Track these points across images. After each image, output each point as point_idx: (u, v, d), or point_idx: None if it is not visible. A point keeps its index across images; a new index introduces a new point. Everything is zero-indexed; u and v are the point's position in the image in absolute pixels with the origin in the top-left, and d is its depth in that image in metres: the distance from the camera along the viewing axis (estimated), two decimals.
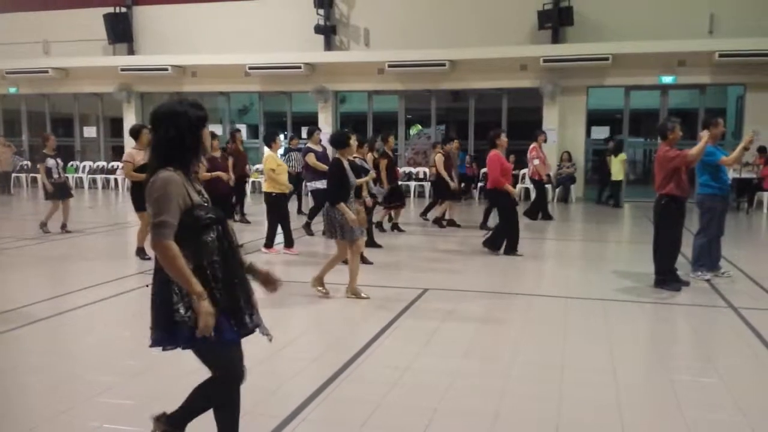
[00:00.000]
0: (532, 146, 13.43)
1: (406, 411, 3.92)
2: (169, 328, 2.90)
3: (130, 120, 20.19)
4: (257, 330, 3.09)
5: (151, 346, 2.99)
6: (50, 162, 11.04)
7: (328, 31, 18.71)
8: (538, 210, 13.65)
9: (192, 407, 3.20)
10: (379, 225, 11.49)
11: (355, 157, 8.63)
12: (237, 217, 12.34)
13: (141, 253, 8.81)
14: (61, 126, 22.31)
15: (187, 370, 4.60)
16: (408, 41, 17.84)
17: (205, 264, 2.89)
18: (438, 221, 12.36)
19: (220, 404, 3.18)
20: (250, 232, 11.42)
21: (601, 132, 18.38)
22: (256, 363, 4.78)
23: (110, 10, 19.95)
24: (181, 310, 2.85)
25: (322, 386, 4.25)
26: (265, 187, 9.21)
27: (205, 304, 2.80)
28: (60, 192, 11.13)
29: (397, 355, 4.93)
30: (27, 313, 6.06)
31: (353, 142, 7.03)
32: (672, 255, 7.10)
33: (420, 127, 18.13)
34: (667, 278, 7.06)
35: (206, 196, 3.07)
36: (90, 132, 22.08)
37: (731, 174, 14.05)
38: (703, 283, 7.35)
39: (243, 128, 18.35)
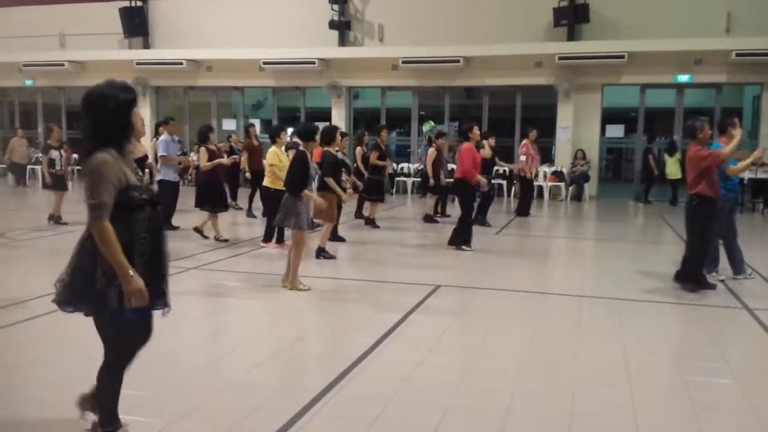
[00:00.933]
0: (523, 142, 13.53)
1: (418, 407, 3.92)
2: (83, 294, 3.09)
3: (144, 114, 20.30)
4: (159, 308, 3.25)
5: (55, 302, 3.17)
6: (54, 153, 11.24)
7: (342, 27, 18.70)
8: (529, 206, 13.72)
9: (104, 400, 3.30)
10: (371, 221, 11.52)
11: (337, 151, 8.77)
12: (235, 205, 12.72)
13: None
14: (77, 119, 22.42)
15: (197, 364, 4.65)
16: (422, 37, 17.79)
17: (134, 240, 3.06)
18: (429, 218, 12.35)
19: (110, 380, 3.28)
20: (249, 227, 11.54)
21: (615, 130, 18.28)
22: (266, 358, 4.81)
23: (126, 3, 20.02)
24: (102, 282, 3.02)
25: (334, 381, 4.25)
26: (265, 182, 9.23)
27: (135, 280, 2.98)
28: (58, 184, 11.29)
29: (408, 352, 4.93)
30: (32, 305, 6.11)
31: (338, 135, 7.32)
32: (702, 256, 7.03)
33: (433, 123, 18.09)
34: (696, 278, 6.97)
35: (141, 175, 3.23)
36: None
37: (747, 174, 14.01)
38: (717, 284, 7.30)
39: (257, 123, 18.38)
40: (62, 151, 11.41)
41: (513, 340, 5.33)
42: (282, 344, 5.19)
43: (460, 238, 9.42)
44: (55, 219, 11.17)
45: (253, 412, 3.80)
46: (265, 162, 9.46)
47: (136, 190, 3.09)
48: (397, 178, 18.40)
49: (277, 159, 8.98)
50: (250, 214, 12.63)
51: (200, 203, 9.82)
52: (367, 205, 11.96)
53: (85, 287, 3.08)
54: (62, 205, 11.26)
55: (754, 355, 5.12)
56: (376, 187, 11.54)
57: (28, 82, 21.69)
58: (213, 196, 9.76)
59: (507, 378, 4.40)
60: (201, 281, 7.34)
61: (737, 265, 7.59)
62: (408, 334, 5.43)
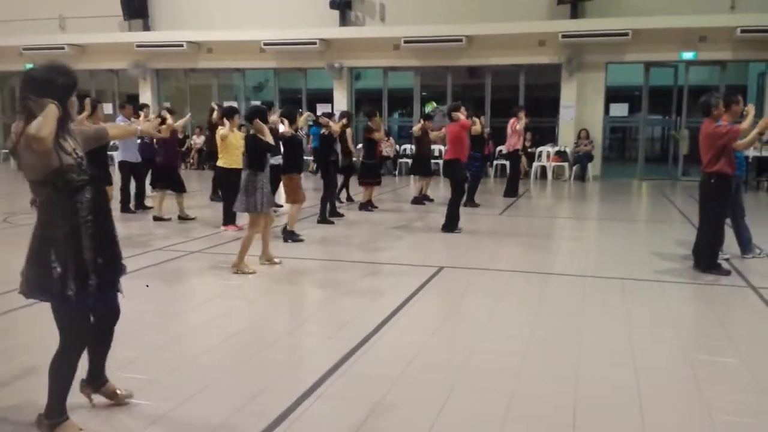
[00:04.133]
0: (511, 120, 13.28)
1: (423, 387, 3.92)
2: (42, 283, 3.10)
3: (146, 97, 20.21)
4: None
5: (24, 294, 3.19)
6: None
7: (343, 7, 18.54)
8: (517, 186, 13.64)
9: (55, 388, 3.26)
10: (365, 205, 11.42)
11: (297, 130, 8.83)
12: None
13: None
14: (78, 103, 22.35)
15: (206, 345, 4.66)
16: (424, 16, 17.65)
17: (79, 223, 3.11)
18: (418, 200, 12.27)
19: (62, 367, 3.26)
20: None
21: (619, 109, 18.16)
22: (270, 343, 4.82)
23: None
24: (58, 268, 3.06)
25: (339, 362, 4.26)
26: (219, 162, 9.35)
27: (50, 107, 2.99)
28: None
29: (414, 332, 4.93)
30: None
31: (274, 117, 7.22)
32: (718, 235, 6.97)
33: (435, 104, 18.02)
34: (715, 261, 6.90)
35: (80, 155, 3.21)
36: (106, 108, 22.09)
37: (751, 152, 13.93)
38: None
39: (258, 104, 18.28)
40: None
41: (517, 321, 5.33)
42: (287, 327, 5.20)
43: (453, 224, 9.31)
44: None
45: (259, 394, 3.81)
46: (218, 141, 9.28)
47: (73, 171, 3.11)
48: (400, 160, 18.33)
49: (233, 137, 8.92)
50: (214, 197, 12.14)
51: (155, 183, 10.35)
52: (361, 189, 11.71)
53: (42, 276, 3.09)
54: None
55: (759, 333, 5.11)
56: (369, 171, 11.40)
57: (29, 66, 21.48)
58: (166, 177, 10.22)
59: (512, 359, 4.39)
60: (199, 263, 7.34)
61: (745, 244, 7.55)
62: (412, 314, 5.43)
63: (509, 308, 5.72)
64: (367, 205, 11.42)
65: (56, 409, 3.26)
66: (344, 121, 10.98)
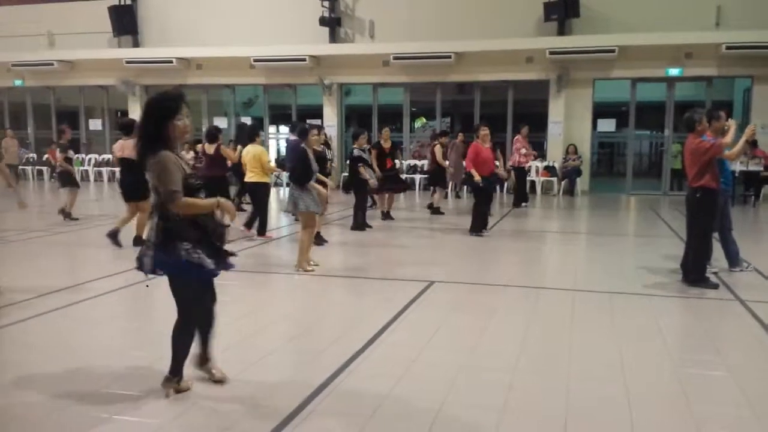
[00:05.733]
0: (516, 137, 14.56)
1: (413, 404, 3.92)
2: (170, 259, 3.73)
3: (135, 112, 20.20)
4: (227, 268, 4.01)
5: (144, 269, 3.82)
6: (71, 152, 11.90)
7: (333, 23, 18.65)
8: (526, 195, 14.94)
9: (176, 354, 3.97)
10: (387, 215, 12.06)
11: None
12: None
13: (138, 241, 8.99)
14: (67, 119, 22.30)
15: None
16: (413, 33, 17.79)
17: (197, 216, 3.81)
18: (437, 210, 13.00)
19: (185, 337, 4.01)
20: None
21: (607, 125, 18.31)
22: (257, 360, 4.80)
23: (115, 1, 19.93)
24: (187, 247, 3.72)
25: (330, 378, 4.25)
26: (251, 178, 9.86)
27: (224, 202, 3.90)
28: (73, 181, 11.80)
29: (404, 348, 4.92)
30: (34, 304, 6.09)
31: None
32: (705, 249, 7.01)
33: (425, 120, 18.12)
34: (703, 275, 6.94)
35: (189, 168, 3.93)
36: (95, 125, 22.11)
37: (738, 167, 14.07)
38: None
39: (248, 121, 18.30)
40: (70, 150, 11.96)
41: (509, 335, 5.32)
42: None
43: (477, 226, 10.27)
44: (66, 214, 11.57)
45: (249, 413, 3.80)
46: (245, 160, 9.85)
47: (191, 178, 3.81)
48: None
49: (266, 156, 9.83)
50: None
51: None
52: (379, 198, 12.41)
53: (167, 256, 3.73)
54: (75, 202, 11.76)
55: (747, 347, 5.13)
56: (385, 182, 11.65)
57: (18, 82, 21.55)
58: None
59: (504, 373, 4.39)
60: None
61: (733, 257, 7.60)
62: (402, 329, 5.42)
63: (499, 323, 5.72)
64: (388, 215, 12.11)
65: (175, 369, 3.98)
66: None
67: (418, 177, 18.20)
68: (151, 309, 6.17)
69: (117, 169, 18.46)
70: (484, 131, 10.30)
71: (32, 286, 6.72)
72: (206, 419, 3.71)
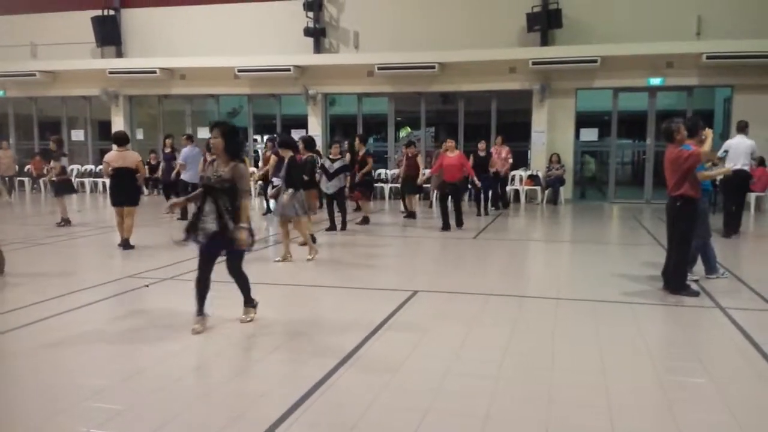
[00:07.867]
0: (493, 147, 15.93)
1: (396, 413, 3.91)
2: (221, 239, 5.43)
3: (118, 123, 20.11)
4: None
5: (198, 243, 5.45)
6: (64, 161, 12.19)
7: (317, 34, 18.71)
8: (507, 199, 16.34)
9: (244, 287, 5.87)
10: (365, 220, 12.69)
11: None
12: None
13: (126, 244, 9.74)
14: (49, 129, 22.12)
15: (174, 376, 4.60)
16: (397, 44, 17.87)
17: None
18: (411, 214, 13.77)
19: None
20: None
21: (590, 134, 18.45)
22: (240, 371, 4.76)
23: (98, 12, 19.88)
24: (230, 224, 5.40)
25: (311, 390, 4.23)
26: None
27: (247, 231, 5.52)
28: (68, 189, 12.35)
29: (387, 356, 4.92)
30: (14, 318, 6.03)
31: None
32: (686, 258, 7.07)
33: (409, 129, 18.18)
34: (684, 283, 6.99)
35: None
36: (78, 135, 21.95)
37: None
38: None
39: None
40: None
41: (491, 344, 5.33)
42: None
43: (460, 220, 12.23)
44: (66, 221, 12.14)
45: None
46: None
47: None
48: (375, 184, 18.36)
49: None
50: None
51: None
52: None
53: (220, 232, 5.38)
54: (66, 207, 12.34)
55: (727, 353, 5.17)
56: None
57: (0, 93, 21.39)
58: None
59: (486, 381, 4.40)
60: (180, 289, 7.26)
61: (711, 264, 7.69)
62: (386, 339, 5.41)
63: (482, 332, 5.72)
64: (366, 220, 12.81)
65: (248, 299, 5.93)
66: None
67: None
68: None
69: (103, 179, 18.50)
70: (450, 143, 12.28)
71: (12, 300, 6.64)
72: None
